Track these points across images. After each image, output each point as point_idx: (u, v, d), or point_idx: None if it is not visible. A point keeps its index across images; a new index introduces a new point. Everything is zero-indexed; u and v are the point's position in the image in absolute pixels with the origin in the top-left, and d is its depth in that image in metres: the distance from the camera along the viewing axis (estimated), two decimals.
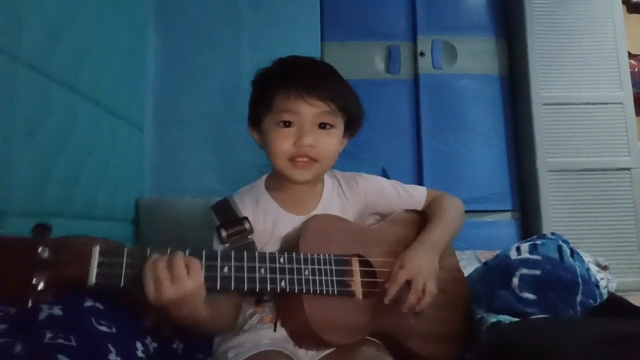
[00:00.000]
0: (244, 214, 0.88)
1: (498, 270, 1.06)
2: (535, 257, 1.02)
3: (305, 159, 0.88)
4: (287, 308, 0.84)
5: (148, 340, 0.79)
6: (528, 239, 1.12)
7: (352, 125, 0.96)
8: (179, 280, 0.65)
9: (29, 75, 1.09)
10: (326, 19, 2.29)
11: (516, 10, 2.34)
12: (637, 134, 2.27)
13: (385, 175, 1.97)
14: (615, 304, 0.91)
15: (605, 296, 1.03)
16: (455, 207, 1.02)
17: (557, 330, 0.78)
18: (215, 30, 2.10)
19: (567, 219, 2.15)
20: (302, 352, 0.84)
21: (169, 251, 0.67)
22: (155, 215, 1.76)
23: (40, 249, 0.57)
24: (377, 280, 0.89)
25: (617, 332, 0.67)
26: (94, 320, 0.71)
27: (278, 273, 0.77)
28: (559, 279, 0.98)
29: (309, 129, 0.87)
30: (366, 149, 2.09)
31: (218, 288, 0.71)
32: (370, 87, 2.24)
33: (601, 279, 1.19)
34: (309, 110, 0.87)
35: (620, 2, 2.35)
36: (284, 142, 0.87)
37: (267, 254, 0.78)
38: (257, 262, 0.75)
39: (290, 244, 0.87)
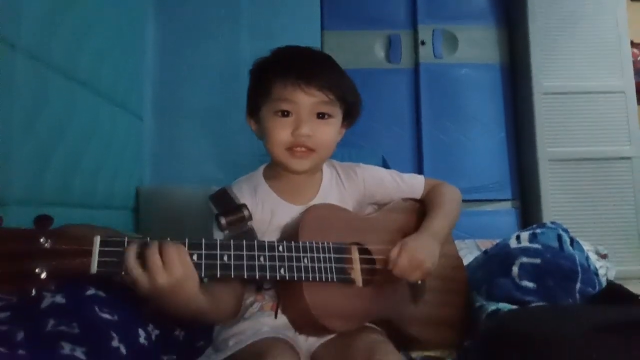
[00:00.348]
0: (243, 203, 0.89)
1: (498, 259, 1.07)
2: (535, 245, 1.03)
3: (303, 149, 0.88)
4: (287, 295, 0.84)
5: (150, 328, 0.79)
6: (528, 228, 1.12)
7: (349, 115, 0.95)
8: (169, 266, 0.65)
9: (27, 64, 1.09)
10: (326, 8, 2.27)
11: None
12: (638, 123, 2.27)
13: (385, 164, 1.97)
14: (614, 292, 0.91)
15: (604, 284, 1.04)
16: (454, 195, 1.02)
17: (556, 318, 0.79)
18: (215, 19, 2.08)
19: (567, 208, 2.16)
20: (302, 338, 0.85)
21: (148, 240, 0.67)
22: (155, 204, 1.77)
23: (42, 239, 0.58)
24: (377, 267, 0.89)
25: (616, 320, 0.67)
26: (96, 308, 0.72)
27: (277, 261, 0.77)
28: (559, 268, 0.99)
29: (306, 118, 0.87)
30: (366, 138, 2.09)
31: (218, 276, 0.72)
32: (371, 76, 2.23)
33: (600, 267, 1.20)
34: (306, 99, 0.87)
35: None
36: (281, 132, 0.87)
37: (267, 242, 0.78)
38: (256, 250, 0.76)
39: (290, 233, 0.87)
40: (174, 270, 0.65)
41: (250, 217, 0.86)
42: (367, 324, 0.87)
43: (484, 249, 1.24)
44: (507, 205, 2.27)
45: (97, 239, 0.63)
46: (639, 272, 2.14)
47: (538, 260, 1.00)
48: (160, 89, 2.01)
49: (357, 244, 0.90)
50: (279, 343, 0.78)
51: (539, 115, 2.20)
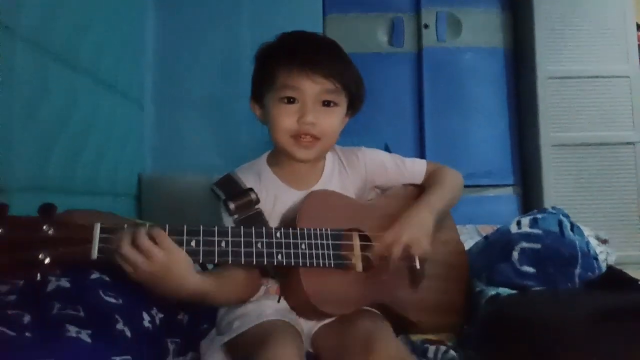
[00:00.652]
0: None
1: (498, 244, 1.07)
2: (535, 231, 1.03)
3: (309, 138, 0.88)
4: (286, 282, 0.85)
5: (154, 311, 0.81)
6: (529, 213, 1.12)
7: (353, 104, 0.95)
8: (149, 255, 0.66)
9: (28, 52, 1.09)
10: None
11: None
12: None
13: (387, 151, 1.96)
14: (614, 277, 0.92)
15: (604, 269, 1.04)
16: (454, 177, 1.02)
17: (556, 303, 0.79)
18: (215, 6, 2.06)
19: (569, 193, 2.15)
20: (303, 320, 0.87)
21: (147, 227, 0.69)
22: (157, 191, 1.78)
23: (45, 227, 0.60)
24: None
25: (615, 306, 0.68)
26: (100, 292, 0.73)
27: (275, 248, 0.78)
28: (559, 253, 1.00)
29: (311, 106, 0.87)
30: (368, 124, 2.07)
31: (216, 262, 0.73)
32: (374, 61, 2.22)
33: (601, 252, 1.20)
34: (312, 87, 0.86)
35: None
36: (286, 119, 0.87)
37: (264, 229, 0.80)
38: (254, 237, 0.77)
39: (289, 220, 0.88)
40: (159, 254, 0.66)
41: (257, 201, 0.87)
42: (368, 308, 0.88)
43: (484, 235, 1.24)
44: (509, 190, 2.27)
45: (97, 226, 0.65)
46: (639, 258, 2.14)
47: (538, 246, 1.00)
48: (161, 78, 2.00)
49: (357, 230, 0.91)
50: (282, 325, 0.80)
51: (543, 100, 2.18)
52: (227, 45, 2.05)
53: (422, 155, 2.21)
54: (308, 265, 0.80)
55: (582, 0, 2.25)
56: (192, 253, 0.71)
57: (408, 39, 2.29)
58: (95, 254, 0.64)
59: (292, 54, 0.87)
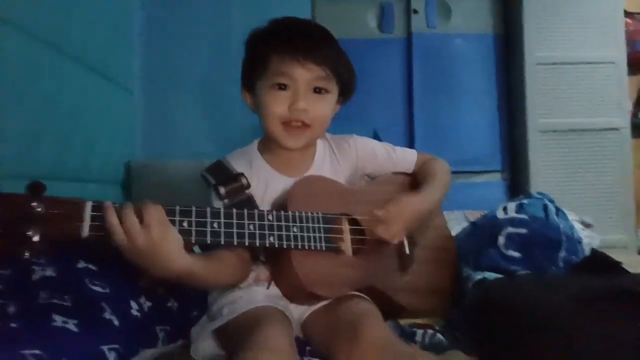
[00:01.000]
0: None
1: (485, 230, 1.08)
2: (521, 216, 1.04)
3: (299, 124, 0.88)
4: (277, 265, 0.86)
5: (142, 300, 0.81)
6: (515, 199, 1.14)
7: (344, 92, 0.95)
8: (147, 227, 0.65)
9: (16, 37, 1.07)
10: None
11: None
12: (627, 94, 2.27)
13: (377, 138, 1.96)
14: (598, 260, 0.94)
15: (588, 253, 1.06)
16: (445, 170, 1.04)
17: (541, 287, 0.81)
18: None
19: (555, 178, 2.18)
20: (293, 307, 0.87)
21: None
22: (146, 179, 1.76)
23: (34, 204, 0.59)
24: (366, 238, 0.91)
25: (598, 288, 0.69)
26: (87, 281, 0.72)
27: (267, 230, 0.79)
28: (544, 237, 1.01)
29: (303, 93, 0.86)
30: (358, 109, 2.05)
31: (208, 242, 0.73)
32: (363, 47, 2.20)
33: (585, 236, 1.22)
34: (304, 74, 0.86)
35: None
36: (278, 106, 0.87)
37: (256, 211, 0.80)
38: (246, 219, 0.77)
39: (280, 204, 0.88)
40: (151, 230, 0.65)
41: (248, 185, 0.87)
42: (357, 293, 0.89)
43: (472, 220, 1.26)
44: (497, 176, 2.29)
45: (89, 204, 0.64)
46: (623, 241, 2.19)
47: (524, 230, 1.02)
48: (150, 63, 1.97)
49: (347, 215, 0.91)
50: (272, 311, 0.80)
51: (531, 86, 2.19)
52: (217, 30, 2.02)
53: (411, 141, 2.21)
54: (300, 247, 0.81)
55: None
56: (185, 233, 0.71)
57: (398, 24, 2.28)
58: (86, 232, 0.63)
59: (284, 41, 0.87)
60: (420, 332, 0.90)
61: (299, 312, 0.88)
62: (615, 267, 0.91)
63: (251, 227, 0.77)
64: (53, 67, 1.22)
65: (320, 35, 0.91)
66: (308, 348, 0.83)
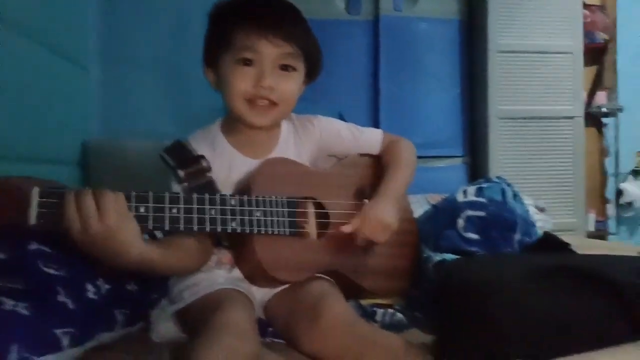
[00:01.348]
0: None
1: (445, 212, 1.11)
2: (480, 199, 1.08)
3: (265, 102, 0.85)
4: (239, 249, 0.85)
5: (100, 282, 0.78)
6: (474, 183, 1.17)
7: (311, 72, 0.93)
8: (103, 213, 0.63)
9: None
10: None
11: None
12: (582, 84, 2.37)
13: (342, 119, 1.96)
14: (549, 241, 0.98)
15: (540, 235, 1.11)
16: (411, 154, 1.04)
17: (497, 265, 0.84)
18: None
19: (513, 163, 2.26)
20: (255, 289, 0.87)
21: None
22: (105, 159, 1.69)
23: None
24: (330, 221, 0.91)
25: (547, 265, 0.73)
26: (40, 263, 0.69)
27: (229, 214, 0.77)
28: (501, 220, 1.05)
29: (269, 69, 0.84)
30: (323, 91, 2.04)
31: (167, 228, 0.71)
32: (330, 27, 2.18)
33: (539, 219, 1.28)
34: (271, 50, 0.83)
35: None
36: (242, 82, 0.84)
37: (218, 195, 0.78)
38: (207, 204, 0.75)
39: (243, 187, 0.86)
40: (107, 217, 0.63)
41: (209, 168, 0.85)
42: (319, 275, 0.90)
43: (433, 204, 1.29)
44: (458, 161, 2.35)
45: (36, 190, 0.61)
46: (573, 225, 2.31)
47: (483, 213, 1.05)
48: (106, 38, 1.86)
49: (312, 198, 0.91)
50: (234, 293, 0.80)
51: (492, 73, 2.25)
52: (178, 4, 1.93)
53: (375, 124, 2.22)
54: (263, 232, 0.80)
55: None
56: (141, 219, 0.68)
57: (365, 6, 2.27)
58: (33, 219, 0.61)
59: (251, 14, 0.84)
60: (380, 311, 0.93)
61: (261, 294, 0.88)
62: (564, 247, 0.96)
63: (212, 212, 0.75)
64: None
65: (288, 11, 0.89)
66: (270, 329, 0.83)
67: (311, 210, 0.91)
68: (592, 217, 2.69)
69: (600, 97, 2.72)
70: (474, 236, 1.04)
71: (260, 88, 0.84)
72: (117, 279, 0.83)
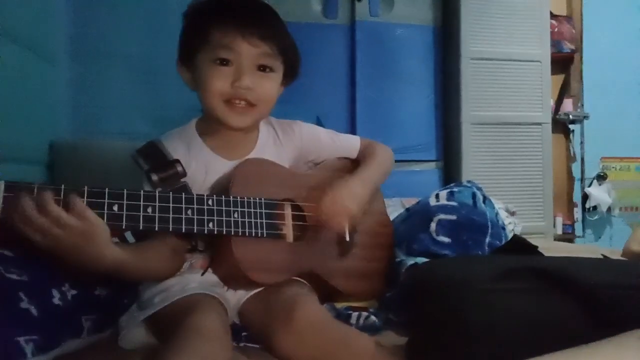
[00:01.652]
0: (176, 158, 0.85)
1: (418, 216, 1.13)
2: (452, 203, 1.10)
3: (243, 103, 0.84)
4: (217, 251, 0.84)
5: (65, 287, 0.75)
6: (446, 187, 1.19)
7: (289, 73, 0.93)
8: (71, 221, 0.61)
9: None
10: None
11: None
12: (550, 91, 2.46)
13: (319, 124, 1.97)
14: (517, 244, 1.01)
15: (510, 237, 1.14)
16: (386, 153, 1.05)
17: (465, 266, 0.85)
18: None
19: (484, 168, 2.32)
20: (230, 294, 0.86)
21: (62, 192, 0.63)
22: (73, 159, 1.63)
23: None
24: (307, 224, 0.91)
25: (514, 265, 0.74)
26: (1, 268, 0.66)
27: (206, 215, 0.76)
28: (472, 223, 1.07)
29: (247, 69, 0.83)
30: (300, 94, 2.05)
31: (141, 228, 0.69)
32: (306, 31, 2.18)
33: (509, 223, 1.32)
34: (249, 49, 0.83)
35: None
36: (219, 82, 0.83)
37: (195, 195, 0.76)
38: (184, 203, 0.74)
39: (221, 188, 0.85)
40: (75, 225, 0.61)
41: (184, 173, 0.83)
42: (295, 278, 0.89)
43: (407, 207, 1.30)
44: (432, 165, 2.39)
45: (2, 184, 0.59)
46: (541, 228, 2.38)
47: (454, 217, 1.07)
48: (75, 31, 1.78)
49: (290, 200, 0.91)
50: (206, 298, 0.78)
51: (465, 79, 2.30)
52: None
53: (352, 129, 2.24)
54: (240, 234, 0.79)
55: None
56: (114, 218, 0.66)
57: (341, 10, 2.29)
58: None
59: (229, 13, 0.83)
60: (355, 314, 0.93)
61: (235, 298, 0.87)
62: (532, 250, 0.99)
63: (189, 212, 0.74)
64: None
65: (266, 11, 0.88)
66: (244, 334, 0.82)
67: (289, 212, 0.90)
68: (559, 220, 2.78)
69: (567, 105, 2.83)
70: (445, 239, 1.06)
71: (237, 88, 0.83)
72: (84, 284, 0.80)
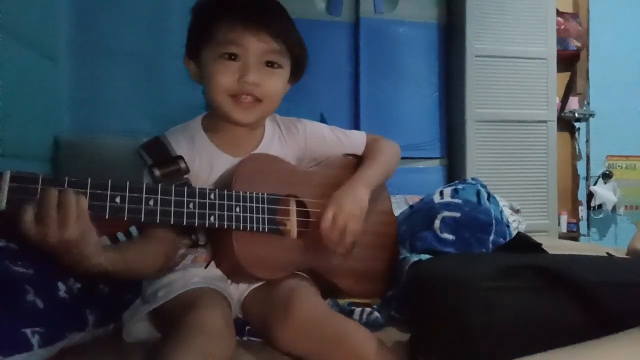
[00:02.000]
0: (179, 154, 0.85)
1: (422, 213, 1.13)
2: (456, 200, 1.09)
3: (249, 99, 0.84)
4: (219, 246, 0.84)
5: (71, 281, 0.76)
6: (451, 184, 1.19)
7: (296, 70, 0.92)
8: (66, 225, 0.60)
9: None
10: None
11: None
12: (555, 89, 2.44)
13: (323, 121, 1.97)
14: (521, 241, 1.01)
15: (514, 235, 1.14)
16: (391, 148, 1.04)
17: (467, 263, 0.85)
18: None
19: (489, 166, 2.31)
20: (233, 288, 0.86)
21: (66, 182, 0.63)
22: (77, 155, 1.65)
23: None
24: (310, 220, 0.91)
25: (517, 263, 0.74)
26: (7, 262, 0.67)
27: (208, 209, 0.76)
28: (476, 220, 1.07)
29: (255, 65, 0.83)
30: (304, 92, 2.06)
31: (142, 220, 0.69)
32: (310, 28, 2.18)
33: (513, 221, 1.31)
34: (257, 45, 0.82)
35: None
36: (226, 76, 0.82)
37: (197, 189, 0.76)
38: (185, 197, 0.74)
39: (224, 183, 0.85)
40: (68, 229, 0.60)
41: (187, 170, 0.83)
42: (297, 272, 0.89)
43: (411, 204, 1.30)
44: (436, 163, 2.39)
45: (7, 174, 0.59)
46: (545, 226, 2.37)
47: (458, 214, 1.06)
48: (77, 28, 1.79)
49: (293, 196, 0.91)
50: (209, 292, 0.78)
51: (470, 77, 2.29)
52: None
53: (356, 124, 2.24)
54: (241, 228, 0.79)
55: None
56: (116, 210, 0.66)
57: (346, 8, 2.28)
58: (3, 204, 0.58)
59: (238, 8, 0.83)
60: (358, 310, 0.93)
61: (238, 293, 0.87)
62: (536, 248, 0.98)
63: (191, 205, 0.74)
64: None
65: (274, 7, 0.88)
66: (247, 328, 0.83)
67: (293, 208, 0.90)
68: (564, 218, 2.77)
69: (573, 103, 2.81)
70: (449, 237, 1.06)
71: (244, 83, 0.83)
72: (89, 278, 0.81)
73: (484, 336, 0.65)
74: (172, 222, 0.72)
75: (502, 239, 1.08)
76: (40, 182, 0.61)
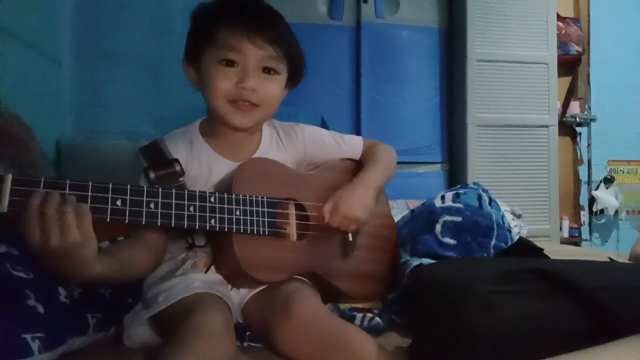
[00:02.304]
0: (176, 157, 0.86)
1: (423, 217, 1.13)
2: (457, 205, 1.09)
3: (247, 103, 0.85)
4: (219, 249, 0.84)
5: (72, 286, 0.76)
6: (452, 188, 1.19)
7: (293, 76, 0.94)
8: (66, 230, 0.60)
9: None
10: None
11: None
12: (557, 94, 2.44)
13: (324, 125, 1.98)
14: (522, 246, 1.01)
15: (515, 240, 1.13)
16: (389, 153, 1.05)
17: (468, 267, 0.85)
18: None
19: (490, 171, 2.31)
20: (233, 292, 0.86)
21: (67, 186, 0.63)
22: (78, 158, 1.65)
23: None
24: (310, 223, 0.91)
25: (518, 267, 0.74)
26: (8, 266, 0.67)
27: (208, 212, 0.76)
28: (477, 225, 1.07)
29: (252, 71, 0.84)
30: (305, 96, 2.07)
31: (144, 223, 0.70)
32: (312, 32, 2.19)
33: (515, 225, 1.31)
34: (255, 51, 0.84)
35: None
36: (224, 82, 0.84)
37: (197, 192, 0.77)
38: (186, 200, 0.74)
39: (224, 187, 0.86)
40: (70, 234, 0.60)
41: (182, 173, 0.84)
42: (297, 277, 0.89)
43: (412, 208, 1.30)
44: (437, 167, 2.39)
45: (9, 177, 0.59)
46: (547, 231, 2.37)
47: (459, 219, 1.06)
48: (81, 31, 1.80)
49: (292, 199, 0.91)
50: (210, 297, 0.79)
51: (471, 81, 2.29)
52: (157, 0, 1.90)
53: (357, 130, 2.25)
54: (242, 231, 0.80)
55: None
56: (117, 213, 0.67)
57: (347, 12, 2.29)
58: (4, 207, 0.58)
59: (236, 15, 0.84)
60: (359, 315, 0.93)
61: (239, 297, 0.87)
62: (537, 252, 0.98)
63: (191, 208, 0.74)
64: None
65: (272, 15, 0.89)
66: (248, 333, 0.82)
67: (292, 211, 0.90)
68: (565, 223, 2.77)
69: (574, 107, 2.81)
70: (451, 241, 1.06)
71: (242, 89, 0.84)
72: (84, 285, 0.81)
73: (485, 340, 0.65)
74: (172, 225, 0.73)
75: (503, 244, 1.08)
76: (42, 185, 0.61)
